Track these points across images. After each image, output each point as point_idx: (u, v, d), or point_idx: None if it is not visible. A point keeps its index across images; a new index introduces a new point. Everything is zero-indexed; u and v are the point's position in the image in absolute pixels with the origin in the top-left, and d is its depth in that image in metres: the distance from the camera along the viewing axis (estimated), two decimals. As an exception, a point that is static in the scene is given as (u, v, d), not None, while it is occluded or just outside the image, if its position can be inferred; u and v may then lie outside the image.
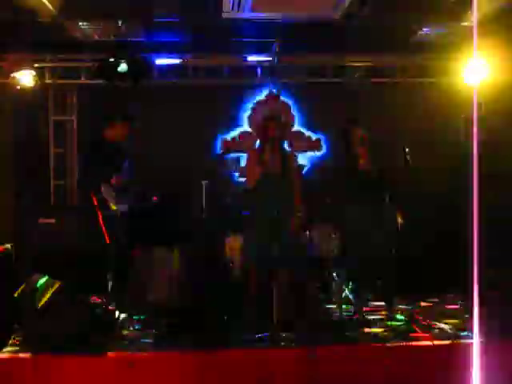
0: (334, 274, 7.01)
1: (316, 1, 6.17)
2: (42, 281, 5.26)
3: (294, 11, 6.48)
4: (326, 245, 7.15)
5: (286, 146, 6.40)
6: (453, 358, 4.44)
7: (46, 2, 6.19)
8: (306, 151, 8.95)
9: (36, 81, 7.58)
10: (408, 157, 5.99)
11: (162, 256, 6.92)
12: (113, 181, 6.32)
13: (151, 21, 6.91)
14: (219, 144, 8.83)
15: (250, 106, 8.93)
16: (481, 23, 6.62)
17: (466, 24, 7.02)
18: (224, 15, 6.53)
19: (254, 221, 5.91)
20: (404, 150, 5.95)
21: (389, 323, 5.82)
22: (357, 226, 5.92)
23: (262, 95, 8.92)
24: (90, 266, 6.29)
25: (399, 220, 6.05)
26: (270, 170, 5.70)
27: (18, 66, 7.40)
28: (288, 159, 6.00)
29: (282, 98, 8.38)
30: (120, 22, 6.82)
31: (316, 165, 8.92)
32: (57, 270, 5.78)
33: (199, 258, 7.39)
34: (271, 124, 5.93)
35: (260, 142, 6.04)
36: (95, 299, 5.86)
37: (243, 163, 8.36)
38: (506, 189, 7.44)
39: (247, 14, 6.40)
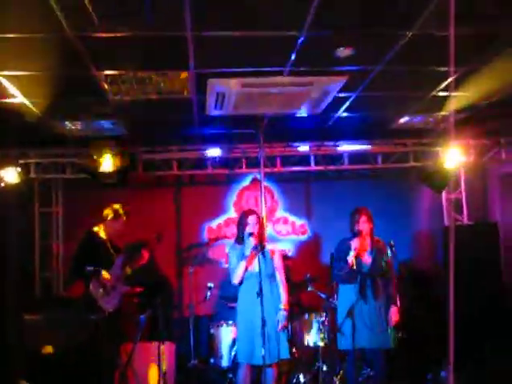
0: (323, 366, 6.96)
1: (297, 101, 6.29)
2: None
3: (276, 110, 6.63)
4: (316, 336, 7.15)
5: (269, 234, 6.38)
6: None
7: (31, 106, 6.28)
8: (290, 235, 9.02)
9: (21, 176, 7.60)
10: (394, 249, 6.07)
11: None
12: (103, 277, 6.32)
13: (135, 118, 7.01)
14: (205, 231, 8.89)
15: (235, 192, 9.05)
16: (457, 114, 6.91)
17: (443, 113, 7.20)
18: (208, 113, 6.65)
19: (243, 315, 5.88)
20: (390, 243, 6.06)
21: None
22: (349, 318, 5.89)
23: (246, 181, 9.05)
24: (79, 366, 6.21)
25: (395, 317, 6.05)
26: (254, 268, 5.69)
27: (3, 164, 7.44)
28: (272, 255, 6.00)
29: (266, 183, 8.47)
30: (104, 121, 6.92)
31: (300, 248, 9.00)
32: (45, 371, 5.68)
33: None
34: (250, 219, 5.95)
35: (238, 234, 6.04)
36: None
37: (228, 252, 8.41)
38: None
39: (230, 112, 6.52)
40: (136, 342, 6.82)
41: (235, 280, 5.86)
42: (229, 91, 5.76)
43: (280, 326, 5.78)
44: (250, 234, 5.81)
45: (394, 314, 6.04)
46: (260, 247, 5.83)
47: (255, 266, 5.64)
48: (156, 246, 6.75)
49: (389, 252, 6.15)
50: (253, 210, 6.38)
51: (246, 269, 5.78)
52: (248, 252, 5.78)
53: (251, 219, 5.93)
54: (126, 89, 5.81)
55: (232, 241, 8.41)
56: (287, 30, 4.70)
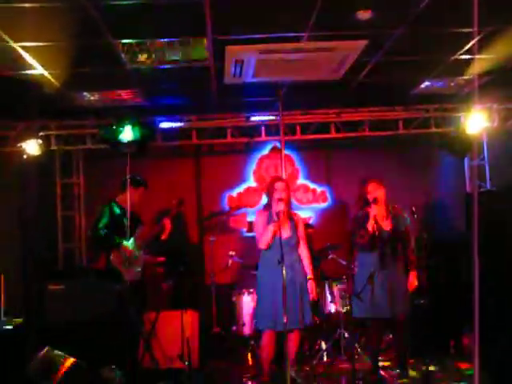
0: (345, 332, 6.99)
1: (316, 67, 6.21)
2: (54, 356, 5.23)
3: (295, 77, 6.56)
4: (337, 303, 7.18)
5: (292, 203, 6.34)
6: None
7: (50, 78, 6.28)
8: (311, 203, 9.01)
9: (42, 148, 7.63)
10: (415, 216, 6.03)
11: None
12: (124, 247, 6.35)
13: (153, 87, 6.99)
14: (226, 200, 8.91)
15: (254, 161, 9.04)
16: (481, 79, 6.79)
17: (467, 77, 7.07)
18: (226, 81, 6.60)
19: (265, 283, 5.88)
20: (412, 209, 6.02)
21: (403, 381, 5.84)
22: (369, 285, 5.88)
23: (266, 150, 9.02)
24: (103, 336, 6.26)
25: (414, 282, 6.03)
26: (280, 234, 5.67)
27: (25, 136, 7.48)
28: (296, 222, 6.00)
29: (286, 151, 8.42)
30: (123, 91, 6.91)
31: (321, 216, 8.98)
32: (68, 341, 5.73)
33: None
34: (279, 185, 5.94)
35: (267, 202, 6.03)
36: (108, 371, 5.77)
37: (251, 219, 8.44)
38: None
39: (249, 79, 6.47)
40: (159, 310, 6.92)
41: (263, 245, 5.83)
42: (247, 58, 5.71)
43: (311, 296, 5.84)
44: (279, 200, 5.80)
45: (413, 279, 6.01)
46: (288, 213, 5.87)
47: (282, 233, 5.63)
48: (177, 212, 6.72)
49: (407, 218, 6.11)
50: (281, 176, 6.37)
51: (274, 234, 5.75)
52: (276, 218, 5.75)
53: (279, 185, 5.91)
54: (143, 57, 5.79)
55: (253, 209, 8.59)
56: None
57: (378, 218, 5.99)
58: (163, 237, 6.56)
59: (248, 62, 5.85)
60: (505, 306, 6.72)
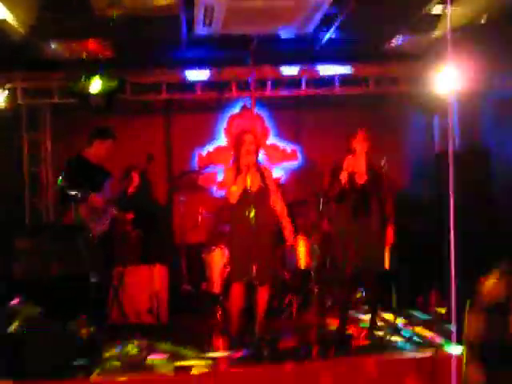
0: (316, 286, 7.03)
1: (284, 18, 6.15)
2: (22, 307, 5.19)
3: (265, 28, 6.49)
4: (308, 257, 7.20)
5: (261, 159, 6.33)
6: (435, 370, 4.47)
7: (16, 24, 6.11)
8: (281, 162, 8.99)
9: (8, 101, 7.46)
10: (385, 168, 6.00)
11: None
12: (93, 199, 6.26)
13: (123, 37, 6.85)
14: (196, 158, 8.84)
15: (225, 119, 8.97)
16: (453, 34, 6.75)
17: (438, 34, 7.05)
18: (196, 31, 6.51)
19: (236, 236, 5.86)
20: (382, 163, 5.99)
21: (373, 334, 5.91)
22: (342, 238, 5.88)
23: (236, 108, 8.96)
24: (70, 290, 6.22)
25: (389, 237, 5.99)
26: (250, 187, 5.65)
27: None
28: (266, 174, 5.97)
29: (256, 110, 8.36)
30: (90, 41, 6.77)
31: (292, 174, 8.98)
32: (35, 295, 5.68)
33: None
34: (247, 137, 5.89)
35: (235, 156, 5.98)
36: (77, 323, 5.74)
37: (221, 177, 8.41)
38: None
39: (219, 31, 6.39)
40: (127, 264, 6.90)
41: (232, 198, 5.78)
42: (217, 4, 5.62)
43: (288, 242, 5.93)
44: (247, 152, 5.76)
45: (389, 234, 5.98)
46: (257, 166, 5.86)
47: (251, 185, 5.60)
48: (146, 168, 6.64)
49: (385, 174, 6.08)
50: (248, 130, 6.33)
51: (244, 187, 5.71)
52: (244, 170, 5.71)
53: (248, 138, 5.88)
54: (112, 4, 5.66)
55: (222, 167, 8.54)
56: None
57: (356, 170, 5.89)
58: (130, 190, 6.46)
59: (218, 10, 5.76)
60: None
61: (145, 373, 4.96)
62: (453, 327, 2.84)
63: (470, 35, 6.85)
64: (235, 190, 5.73)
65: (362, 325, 6.41)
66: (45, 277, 6.75)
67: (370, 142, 6.03)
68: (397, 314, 6.19)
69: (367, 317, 6.42)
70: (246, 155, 5.76)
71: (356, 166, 5.91)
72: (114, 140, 6.59)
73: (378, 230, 5.96)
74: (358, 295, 7.26)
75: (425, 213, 7.99)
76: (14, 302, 5.25)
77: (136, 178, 6.47)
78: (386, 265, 5.99)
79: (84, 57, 7.25)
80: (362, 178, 5.94)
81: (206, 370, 4.94)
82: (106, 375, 4.89)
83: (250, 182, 5.62)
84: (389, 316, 6.50)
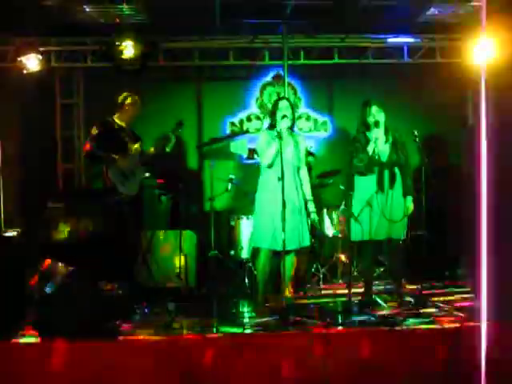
0: (342, 256, 7.05)
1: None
2: (54, 267, 5.28)
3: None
4: (334, 227, 7.22)
5: (295, 127, 6.33)
6: (461, 341, 4.46)
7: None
8: (312, 133, 8.96)
9: (42, 65, 7.51)
10: (417, 140, 5.97)
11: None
12: (121, 163, 6.33)
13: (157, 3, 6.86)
14: (227, 126, 8.85)
15: (257, 88, 8.94)
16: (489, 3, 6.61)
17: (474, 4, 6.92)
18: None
19: (264, 202, 5.89)
20: (413, 134, 5.96)
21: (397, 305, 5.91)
22: (364, 209, 5.90)
23: (268, 77, 8.92)
24: (100, 252, 6.31)
25: (410, 207, 6.01)
26: (283, 153, 5.63)
27: (24, 50, 7.34)
28: (299, 140, 5.99)
29: (288, 80, 8.31)
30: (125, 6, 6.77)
31: (323, 145, 8.94)
32: (67, 256, 5.78)
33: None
34: (282, 103, 5.91)
35: (271, 121, 6.01)
36: (106, 284, 5.84)
37: (251, 145, 8.43)
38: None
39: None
40: (156, 229, 6.99)
41: (265, 160, 5.80)
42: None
43: (311, 216, 5.93)
44: (283, 117, 5.77)
45: (409, 204, 6.00)
46: (291, 133, 5.91)
47: (284, 151, 5.61)
48: (177, 133, 6.65)
49: (405, 144, 6.08)
50: (285, 96, 6.33)
51: (276, 152, 5.72)
52: (279, 135, 5.69)
53: (283, 103, 5.91)
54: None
55: (254, 136, 8.53)
56: None
57: (378, 142, 5.96)
58: (168, 149, 6.50)
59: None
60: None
61: (172, 335, 5.02)
62: (480, 299, 2.82)
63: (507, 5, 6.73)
64: (269, 153, 5.75)
65: (385, 296, 6.41)
66: (76, 239, 6.88)
67: (383, 114, 6.01)
68: (422, 285, 6.18)
69: (391, 288, 6.44)
70: (282, 120, 5.79)
71: (379, 137, 5.95)
72: (142, 105, 6.64)
73: (402, 200, 6.00)
74: (382, 268, 7.26)
75: (459, 186, 7.92)
76: (46, 263, 5.34)
77: (173, 138, 6.51)
78: (408, 235, 6.10)
79: (118, 21, 7.29)
80: (385, 150, 5.99)
81: (232, 334, 4.99)
82: (134, 337, 4.97)
83: (284, 148, 5.63)
84: (414, 287, 6.49)
